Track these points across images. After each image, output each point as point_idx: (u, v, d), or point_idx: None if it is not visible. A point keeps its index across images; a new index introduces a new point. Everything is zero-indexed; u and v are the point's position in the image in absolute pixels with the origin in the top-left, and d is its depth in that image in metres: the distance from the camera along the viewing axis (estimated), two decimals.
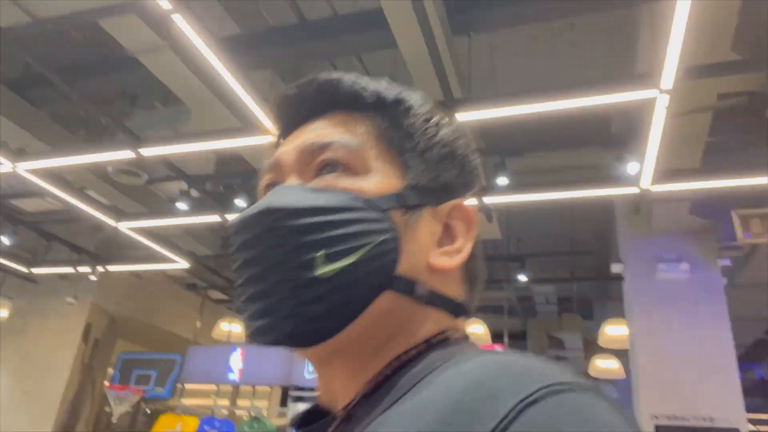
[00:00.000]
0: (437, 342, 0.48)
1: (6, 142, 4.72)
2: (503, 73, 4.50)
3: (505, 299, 7.65)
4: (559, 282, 7.84)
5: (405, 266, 0.49)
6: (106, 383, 7.37)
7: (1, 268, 6.82)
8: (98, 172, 4.92)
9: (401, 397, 0.41)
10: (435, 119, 0.56)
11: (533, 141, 4.53)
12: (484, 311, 7.31)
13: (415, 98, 0.56)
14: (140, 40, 3.43)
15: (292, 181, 0.52)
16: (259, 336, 0.46)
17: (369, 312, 0.47)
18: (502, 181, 4.13)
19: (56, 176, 5.12)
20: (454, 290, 0.53)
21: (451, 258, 0.52)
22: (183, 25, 2.70)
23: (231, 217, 4.97)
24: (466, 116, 3.15)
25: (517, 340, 9.33)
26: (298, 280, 0.45)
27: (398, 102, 0.55)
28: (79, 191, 5.81)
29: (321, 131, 0.53)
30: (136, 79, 4.43)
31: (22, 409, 6.84)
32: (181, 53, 3.17)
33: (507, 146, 4.43)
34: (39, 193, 5.91)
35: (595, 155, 4.90)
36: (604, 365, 6.21)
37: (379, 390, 0.45)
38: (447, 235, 0.53)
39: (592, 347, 7.05)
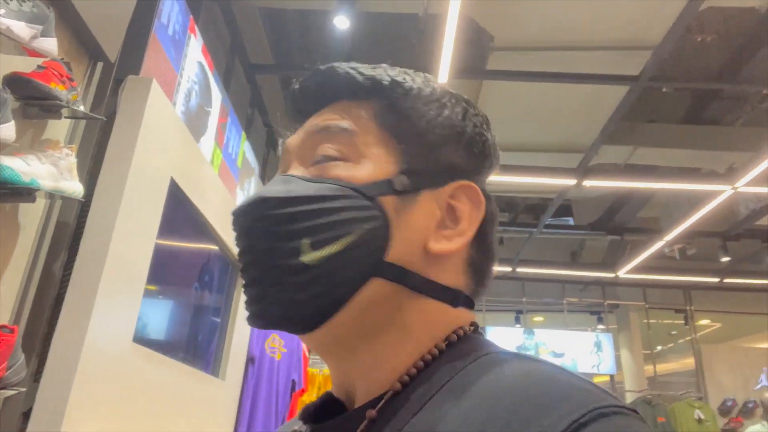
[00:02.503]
0: (457, 339, 0.48)
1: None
2: None
3: None
4: None
5: (396, 253, 0.48)
6: None
7: None
8: None
9: (432, 397, 0.41)
10: (438, 100, 0.53)
11: None
12: None
13: (417, 80, 0.54)
14: None
15: (294, 169, 0.53)
16: (253, 320, 0.48)
17: (359, 300, 0.47)
18: None
19: None
20: (454, 279, 0.51)
21: (451, 241, 0.49)
22: None
23: None
24: None
25: None
26: (284, 267, 0.46)
27: (395, 84, 0.52)
28: None
29: (321, 117, 0.53)
30: None
31: None
32: None
33: None
34: None
35: None
36: None
37: (407, 389, 0.44)
38: (451, 217, 0.51)
39: None
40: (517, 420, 0.35)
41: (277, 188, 0.48)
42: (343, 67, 0.54)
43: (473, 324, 0.51)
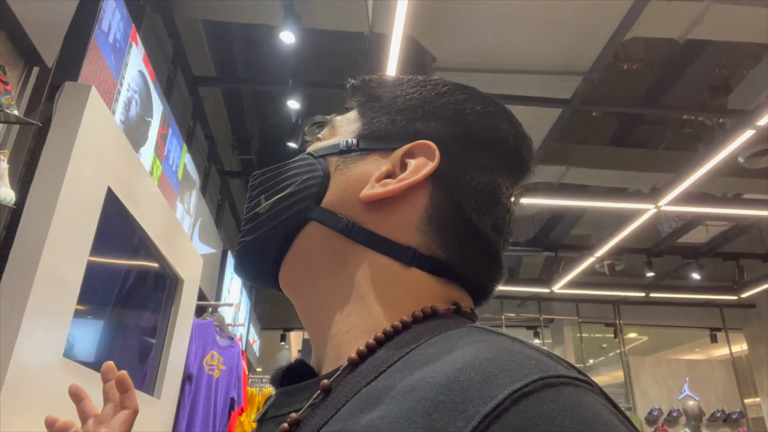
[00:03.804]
0: (424, 315, 0.45)
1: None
2: None
3: None
4: None
5: (330, 199, 0.51)
6: None
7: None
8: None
9: (386, 369, 0.39)
10: (416, 84, 0.55)
11: None
12: None
13: (400, 76, 0.57)
14: None
15: None
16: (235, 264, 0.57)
17: (300, 241, 0.51)
18: None
19: (699, 197, 5.04)
20: (406, 235, 0.49)
21: (385, 187, 0.49)
22: None
23: None
24: None
25: None
26: (248, 220, 0.54)
27: (377, 78, 0.57)
28: (733, 199, 5.48)
29: None
30: None
31: None
32: None
33: None
34: (698, 220, 5.91)
35: None
36: None
37: (365, 362, 0.42)
38: (403, 171, 0.50)
39: None
40: (457, 389, 0.32)
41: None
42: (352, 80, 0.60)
43: (456, 304, 0.47)
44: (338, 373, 0.42)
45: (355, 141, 0.53)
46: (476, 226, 0.48)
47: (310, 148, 0.56)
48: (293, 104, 4.13)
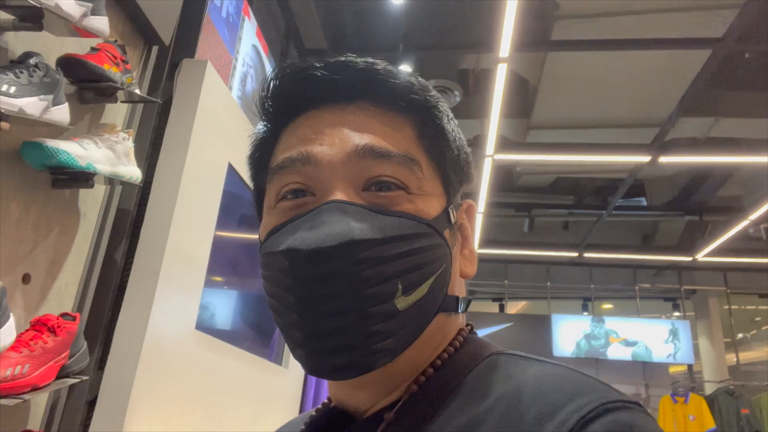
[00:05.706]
0: (459, 343, 0.50)
1: None
2: None
3: None
4: None
5: (452, 284, 0.50)
6: None
7: None
8: None
9: (445, 401, 0.44)
10: (450, 116, 0.53)
11: None
12: None
13: (439, 96, 0.53)
14: None
15: (342, 194, 0.47)
16: (336, 373, 0.44)
17: (422, 337, 0.47)
18: None
19: None
20: (458, 289, 0.52)
21: (471, 264, 0.53)
22: None
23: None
24: None
25: None
26: (378, 315, 0.43)
27: (437, 103, 0.51)
28: None
29: (369, 133, 0.48)
30: None
31: None
32: None
33: None
34: None
35: None
36: None
37: (422, 391, 0.45)
38: (463, 236, 0.53)
39: None
40: (531, 419, 0.37)
41: (361, 227, 0.44)
42: (387, 69, 0.50)
43: (469, 324, 0.54)
44: (400, 404, 0.44)
45: (454, 210, 0.52)
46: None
47: (405, 206, 0.47)
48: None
